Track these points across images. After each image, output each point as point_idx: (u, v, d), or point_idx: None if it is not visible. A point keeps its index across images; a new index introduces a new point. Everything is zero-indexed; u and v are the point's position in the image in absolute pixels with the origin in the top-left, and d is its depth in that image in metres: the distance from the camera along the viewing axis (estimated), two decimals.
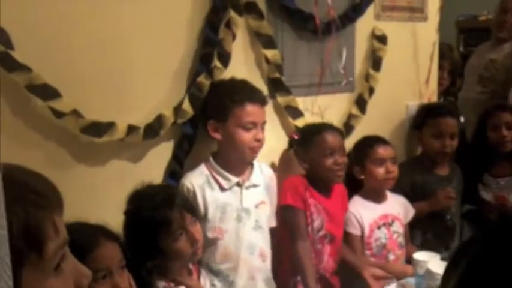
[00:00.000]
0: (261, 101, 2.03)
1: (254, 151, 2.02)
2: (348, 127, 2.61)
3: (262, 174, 2.12)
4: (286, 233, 2.15)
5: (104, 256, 1.35)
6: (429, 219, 2.63)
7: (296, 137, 2.22)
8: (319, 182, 2.20)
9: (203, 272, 1.82)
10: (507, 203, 2.72)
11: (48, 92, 1.69)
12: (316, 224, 2.16)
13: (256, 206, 2.05)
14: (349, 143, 2.48)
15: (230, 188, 2.00)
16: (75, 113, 1.74)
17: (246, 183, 2.04)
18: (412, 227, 2.59)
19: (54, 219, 0.70)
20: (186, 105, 1.99)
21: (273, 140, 2.28)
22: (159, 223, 1.57)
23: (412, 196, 2.58)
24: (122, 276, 1.38)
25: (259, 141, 2.01)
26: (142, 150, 1.97)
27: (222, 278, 1.96)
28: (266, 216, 2.09)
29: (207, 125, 2.01)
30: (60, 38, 1.74)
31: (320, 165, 2.16)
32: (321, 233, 2.17)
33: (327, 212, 2.18)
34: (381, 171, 2.36)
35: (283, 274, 2.18)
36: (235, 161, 2.02)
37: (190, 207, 1.71)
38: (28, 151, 1.70)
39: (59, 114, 1.71)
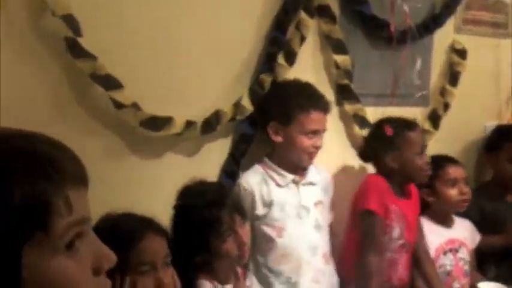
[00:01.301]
0: (326, 109, 1.97)
1: (311, 157, 1.97)
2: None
3: (319, 175, 2.05)
4: (358, 239, 2.01)
5: (150, 250, 1.32)
6: (503, 250, 2.43)
7: (389, 133, 2.05)
8: (398, 184, 2.05)
9: (250, 276, 1.75)
10: None
11: (110, 82, 1.68)
12: (396, 232, 2.01)
13: (315, 205, 1.98)
14: None
15: (286, 185, 1.94)
16: (135, 105, 1.73)
17: (302, 181, 1.97)
18: (485, 259, 2.41)
19: (66, 193, 0.63)
20: (245, 101, 1.94)
21: (337, 148, 2.19)
22: (209, 222, 1.53)
23: (482, 225, 2.40)
24: (166, 272, 1.33)
25: (318, 148, 1.95)
26: (198, 146, 1.94)
27: (284, 280, 1.90)
28: (325, 217, 2.01)
29: (266, 125, 1.95)
30: (127, 31, 1.73)
31: (412, 163, 2.02)
32: (400, 242, 2.03)
33: (405, 219, 2.03)
34: (454, 192, 2.22)
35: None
36: (291, 163, 1.96)
37: (241, 208, 1.65)
38: (86, 139, 1.69)
39: (119, 106, 1.70)
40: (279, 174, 1.94)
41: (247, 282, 1.72)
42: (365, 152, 2.15)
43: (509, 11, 2.78)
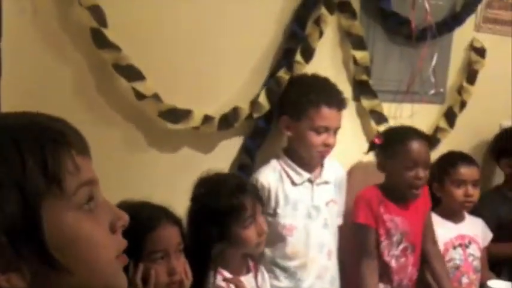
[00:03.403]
0: (339, 105, 1.93)
1: (322, 155, 1.94)
2: (434, 140, 2.47)
3: (333, 171, 2.05)
4: (354, 249, 2.06)
5: (164, 237, 1.34)
6: None
7: (378, 142, 2.06)
8: (397, 192, 2.05)
9: (262, 269, 1.78)
10: None
11: (133, 73, 1.71)
12: (396, 238, 2.04)
13: (327, 204, 1.99)
14: (433, 156, 2.34)
15: (302, 183, 1.95)
16: (156, 96, 1.75)
17: (317, 180, 1.98)
18: (499, 261, 2.42)
19: (73, 155, 0.68)
20: (263, 99, 1.96)
21: (353, 144, 2.20)
22: (233, 208, 1.55)
23: (498, 230, 2.40)
24: (179, 260, 1.36)
25: (329, 146, 1.92)
26: (213, 141, 1.96)
27: (289, 275, 1.92)
28: (335, 215, 2.04)
29: (279, 118, 1.96)
30: (151, 24, 1.76)
31: (400, 177, 2.00)
32: (402, 245, 2.06)
33: (407, 224, 2.05)
34: (459, 193, 2.22)
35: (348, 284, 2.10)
36: (305, 158, 1.96)
37: (261, 197, 1.68)
38: (106, 130, 1.73)
39: (140, 96, 1.73)
40: (296, 172, 1.94)
41: (259, 276, 1.74)
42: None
43: None
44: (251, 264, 1.73)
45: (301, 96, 1.89)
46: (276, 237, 1.89)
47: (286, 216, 1.91)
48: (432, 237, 2.18)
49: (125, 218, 0.75)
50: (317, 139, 1.89)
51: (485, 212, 2.38)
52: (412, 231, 2.06)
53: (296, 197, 1.92)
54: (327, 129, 1.90)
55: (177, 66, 1.83)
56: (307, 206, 1.94)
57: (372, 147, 2.09)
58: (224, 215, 1.54)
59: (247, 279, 1.66)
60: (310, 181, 1.96)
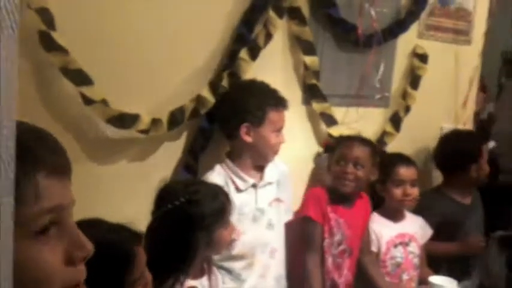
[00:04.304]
0: (287, 106, 2.05)
1: (276, 153, 2.05)
2: (381, 143, 2.56)
3: (276, 170, 2.10)
4: (301, 242, 2.13)
5: (141, 263, 1.25)
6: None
7: (327, 144, 2.18)
8: (342, 194, 2.16)
9: (214, 271, 1.78)
10: None
11: (81, 78, 1.67)
12: (337, 238, 2.14)
13: (270, 204, 2.04)
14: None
15: (246, 189, 1.98)
16: (104, 102, 1.72)
17: (260, 183, 2.02)
18: (438, 258, 2.52)
19: (36, 181, 0.62)
20: (206, 93, 1.95)
21: (304, 147, 2.24)
22: (219, 211, 1.59)
23: (438, 229, 2.50)
24: (148, 272, 1.33)
25: (281, 143, 2.04)
26: (156, 145, 1.94)
27: (234, 277, 1.95)
28: (280, 214, 2.08)
29: (236, 127, 1.96)
30: (99, 28, 1.73)
31: (333, 172, 2.15)
32: (341, 247, 2.15)
33: (348, 227, 2.15)
34: (398, 192, 2.31)
35: (295, 278, 2.15)
36: (254, 162, 2.01)
37: (229, 197, 1.72)
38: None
39: (88, 101, 1.69)
40: (240, 178, 1.98)
41: (213, 278, 1.75)
42: None
43: (472, 19, 2.88)
44: (205, 266, 1.73)
45: (261, 103, 1.96)
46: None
47: (233, 222, 1.91)
48: (368, 247, 2.29)
49: (87, 249, 0.69)
50: (277, 139, 2.00)
51: (426, 211, 2.46)
52: (352, 235, 2.17)
53: (241, 202, 1.95)
54: (280, 129, 2.01)
55: (125, 70, 1.80)
56: (252, 209, 1.98)
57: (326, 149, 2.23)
58: (211, 218, 1.57)
59: (201, 282, 1.67)
60: (254, 186, 2.00)
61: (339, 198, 2.15)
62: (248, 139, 1.96)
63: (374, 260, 2.30)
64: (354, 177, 2.12)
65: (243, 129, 1.96)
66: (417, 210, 2.45)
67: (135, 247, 1.24)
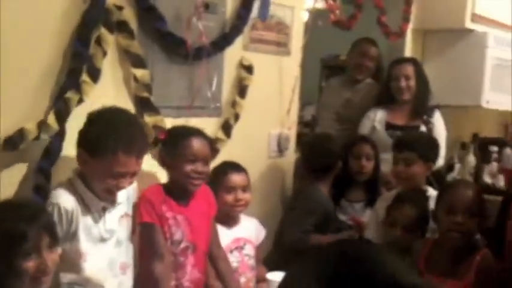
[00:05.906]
0: (139, 152, 1.88)
1: (113, 194, 1.95)
2: (213, 150, 2.67)
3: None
4: (144, 250, 2.13)
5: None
6: None
7: (162, 137, 2.16)
8: (179, 190, 2.18)
9: None
10: (361, 225, 2.95)
11: None
12: (177, 236, 2.15)
13: (119, 221, 2.01)
14: (214, 165, 2.55)
15: (96, 211, 1.94)
16: None
17: (110, 207, 1.98)
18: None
19: None
20: (51, 120, 1.92)
21: None
22: (15, 237, 1.48)
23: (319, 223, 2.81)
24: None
25: (121, 188, 1.92)
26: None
27: None
28: (128, 229, 2.06)
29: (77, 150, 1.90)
30: None
31: (180, 171, 2.14)
32: (183, 245, 2.16)
33: (188, 222, 2.17)
34: (229, 198, 2.43)
35: None
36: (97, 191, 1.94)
37: (52, 229, 1.62)
38: None
39: None
40: (90, 200, 1.91)
41: None
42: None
43: (289, 32, 3.14)
44: None
45: (100, 138, 1.82)
46: (73, 263, 1.88)
47: (81, 242, 1.89)
48: (217, 241, 2.34)
49: None
50: (112, 183, 1.87)
51: (301, 205, 2.71)
52: (193, 230, 2.19)
53: (89, 223, 1.92)
54: (123, 174, 1.86)
55: None
56: (100, 230, 1.94)
57: (156, 142, 2.20)
58: (6, 244, 1.48)
59: None
60: (104, 208, 1.96)
61: (176, 195, 2.16)
62: (83, 167, 1.91)
63: (224, 255, 2.35)
64: (206, 176, 2.19)
65: (79, 156, 1.88)
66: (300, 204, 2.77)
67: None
